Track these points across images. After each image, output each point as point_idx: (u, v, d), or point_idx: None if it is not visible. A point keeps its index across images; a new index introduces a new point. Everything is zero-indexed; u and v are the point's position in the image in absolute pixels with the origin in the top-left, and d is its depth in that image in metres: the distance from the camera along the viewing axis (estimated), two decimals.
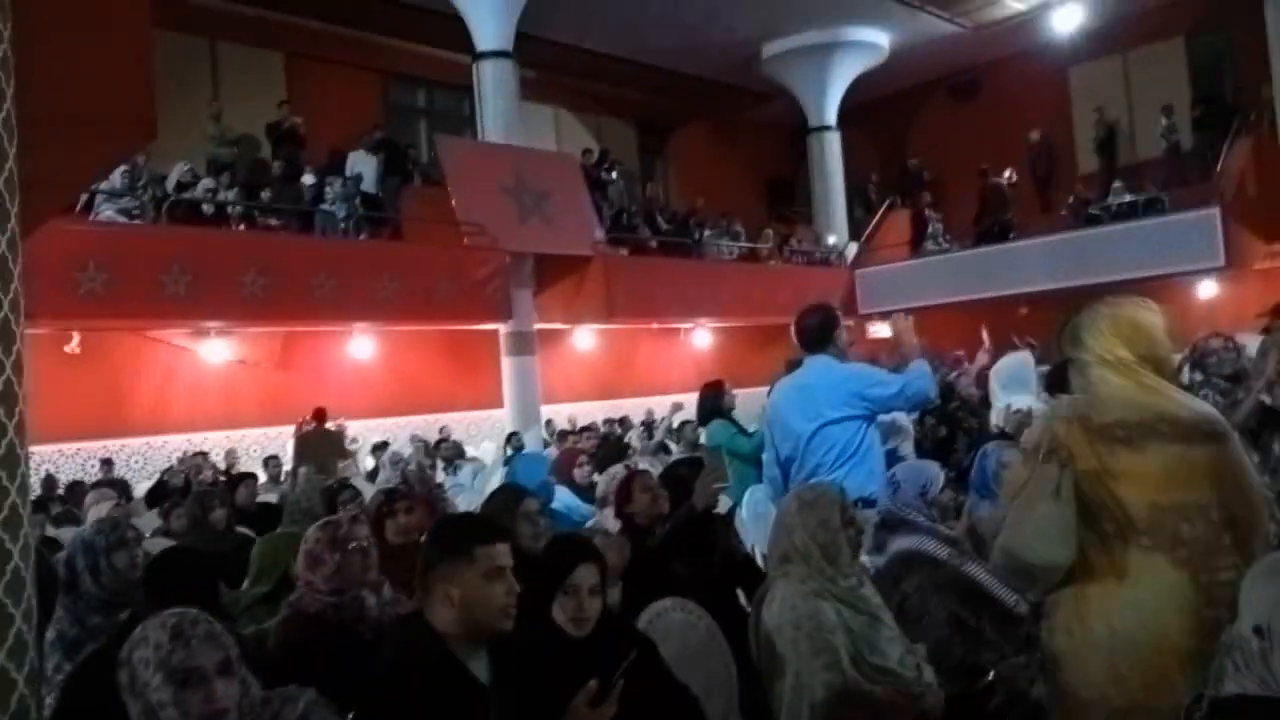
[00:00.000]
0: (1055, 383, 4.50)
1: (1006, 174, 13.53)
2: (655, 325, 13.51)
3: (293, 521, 4.35)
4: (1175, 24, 13.76)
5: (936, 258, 13.76)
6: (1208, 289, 12.17)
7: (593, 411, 12.32)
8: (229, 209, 9.42)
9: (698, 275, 12.75)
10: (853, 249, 14.76)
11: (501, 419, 11.33)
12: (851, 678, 2.50)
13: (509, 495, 3.33)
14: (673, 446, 7.69)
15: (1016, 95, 15.11)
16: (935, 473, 3.13)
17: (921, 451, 4.05)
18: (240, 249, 8.96)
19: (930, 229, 14.07)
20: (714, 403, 5.24)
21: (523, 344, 11.02)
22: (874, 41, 14.38)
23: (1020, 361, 4.96)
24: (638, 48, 13.69)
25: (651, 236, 12.72)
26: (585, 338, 13.38)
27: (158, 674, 1.60)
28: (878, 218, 15.18)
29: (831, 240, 14.68)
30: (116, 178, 8.53)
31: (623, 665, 1.94)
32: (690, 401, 12.07)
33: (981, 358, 4.57)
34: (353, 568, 2.72)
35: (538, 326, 11.26)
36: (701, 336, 14.69)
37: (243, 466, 9.10)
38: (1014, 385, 4.66)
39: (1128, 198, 12.25)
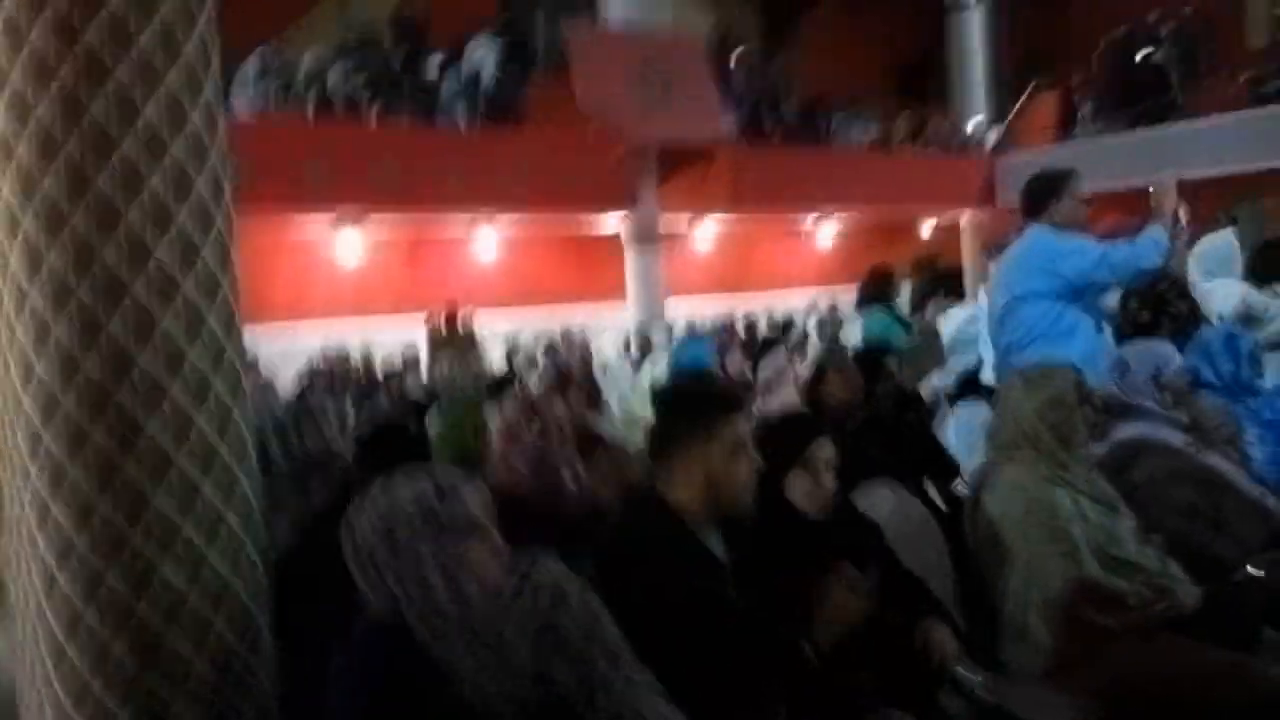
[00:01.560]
0: (1266, 265, 4.07)
1: (1169, 49, 12.37)
2: (784, 216, 13.11)
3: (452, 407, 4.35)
4: None
5: (1086, 142, 12.81)
6: None
7: (716, 307, 12.13)
8: (357, 100, 9.39)
9: (826, 164, 12.21)
10: (993, 135, 13.87)
11: (625, 313, 11.25)
12: (1091, 569, 2.31)
13: (685, 377, 3.20)
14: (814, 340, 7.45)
15: None
16: (1169, 353, 2.84)
17: (1120, 338, 3.72)
18: (372, 141, 8.98)
19: (1081, 112, 13.07)
20: (880, 288, 4.96)
21: (647, 235, 10.81)
22: None
23: (1226, 242, 4.50)
24: None
25: (776, 125, 12.17)
26: (707, 231, 13.08)
27: (425, 529, 1.52)
28: (1021, 100, 14.19)
29: (970, 126, 13.82)
30: (250, 68, 8.61)
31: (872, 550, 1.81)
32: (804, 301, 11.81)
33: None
34: (553, 444, 2.65)
35: (664, 217, 11.01)
36: (824, 233, 14.21)
37: (379, 357, 9.31)
38: (1219, 269, 4.23)
39: None
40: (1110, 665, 2.19)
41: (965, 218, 14.08)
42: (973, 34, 14.27)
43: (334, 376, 6.99)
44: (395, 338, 10.23)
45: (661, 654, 1.59)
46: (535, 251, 11.66)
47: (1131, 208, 11.55)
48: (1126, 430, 2.76)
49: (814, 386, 3.15)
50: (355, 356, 8.68)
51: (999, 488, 2.47)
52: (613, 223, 11.08)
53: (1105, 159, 12.44)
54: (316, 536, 2.30)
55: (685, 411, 1.86)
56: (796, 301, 12.68)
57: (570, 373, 4.51)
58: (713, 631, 1.64)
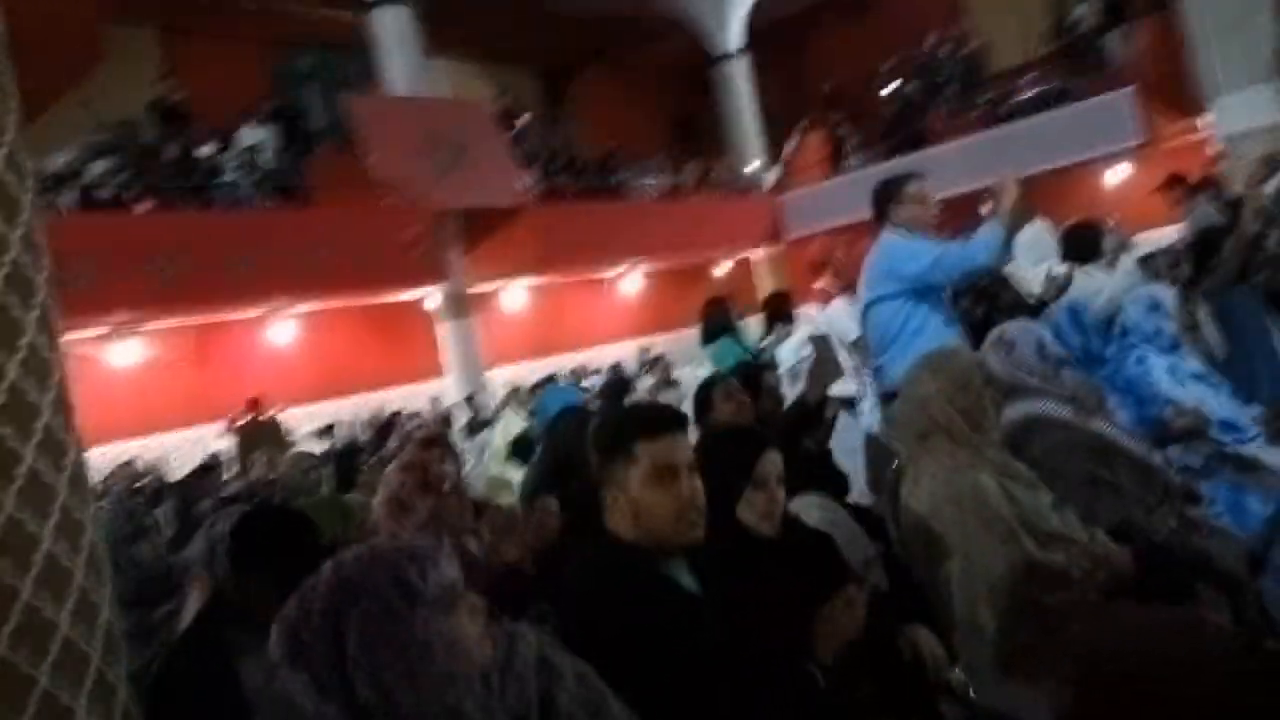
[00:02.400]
0: (1073, 247, 4.37)
1: (915, 83, 13.52)
2: (592, 271, 13.17)
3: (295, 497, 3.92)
4: None
5: (856, 174, 13.72)
6: (1116, 174, 12.54)
7: (533, 371, 11.93)
8: (122, 195, 8.59)
9: (625, 217, 12.42)
10: (770, 177, 14.61)
11: (443, 388, 10.84)
12: (1030, 549, 2.29)
13: (576, 415, 2.98)
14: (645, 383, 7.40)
15: (906, 6, 15.14)
16: (1043, 329, 2.92)
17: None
18: (147, 233, 8.21)
19: (846, 146, 14.02)
20: (722, 319, 4.93)
21: (460, 305, 10.52)
22: None
23: (1040, 230, 4.82)
24: None
25: (574, 183, 12.28)
26: (514, 297, 12.93)
27: (402, 606, 1.24)
28: (793, 142, 15.05)
29: (751, 168, 14.50)
30: None
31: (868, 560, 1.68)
32: (621, 352, 11.82)
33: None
34: (451, 511, 2.37)
35: (475, 287, 10.76)
36: (627, 283, 14.41)
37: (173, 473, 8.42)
38: (1033, 254, 4.50)
39: (1037, 90, 12.41)
40: (1069, 647, 2.15)
41: (757, 254, 14.69)
42: (737, 85, 15.05)
43: (140, 492, 6.23)
44: (192, 452, 9.35)
45: (657, 706, 1.38)
46: (335, 336, 11.05)
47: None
48: (1017, 408, 2.80)
49: (701, 414, 3.02)
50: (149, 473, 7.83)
51: (921, 482, 2.42)
52: (417, 296, 10.71)
53: (868, 188, 13.37)
54: (189, 658, 1.92)
55: (606, 436, 1.68)
56: (612, 356, 12.71)
57: (435, 436, 4.16)
58: (708, 671, 1.44)
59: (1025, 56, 13.87)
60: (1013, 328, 2.89)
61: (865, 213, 12.55)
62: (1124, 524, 2.62)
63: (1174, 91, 11.31)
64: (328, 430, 8.50)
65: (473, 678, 1.25)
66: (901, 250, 3.62)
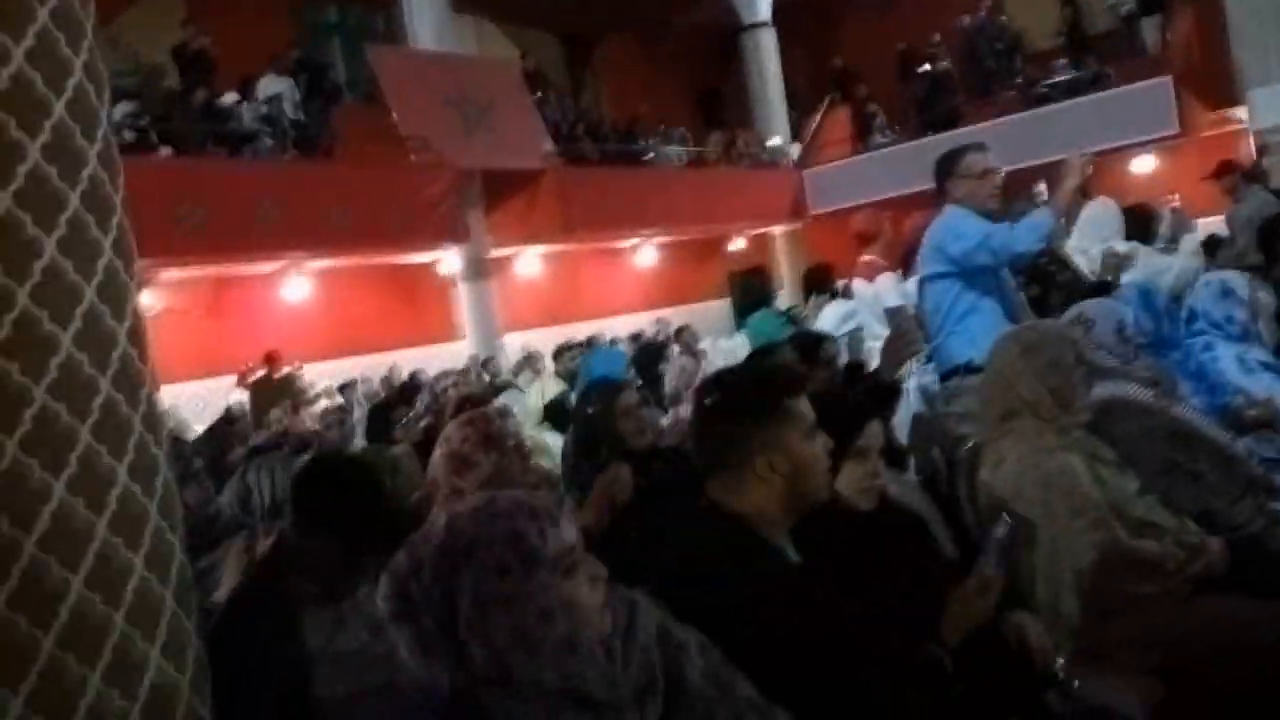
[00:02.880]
0: (1136, 228, 4.25)
1: (947, 61, 13.29)
2: (613, 240, 13.03)
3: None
4: None
5: (883, 151, 13.53)
6: (1146, 163, 12.36)
7: (547, 339, 11.82)
8: (151, 137, 8.44)
9: (649, 185, 12.25)
10: (794, 151, 14.42)
11: (460, 352, 10.73)
12: (1122, 535, 2.19)
13: (604, 390, 2.87)
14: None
15: None
16: (1126, 308, 2.81)
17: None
18: (167, 180, 8.06)
19: (874, 123, 13.81)
20: (762, 290, 4.79)
21: (479, 269, 10.39)
22: None
23: (1104, 208, 4.68)
24: None
25: (598, 148, 12.09)
26: (531, 263, 12.79)
27: (522, 570, 1.14)
28: (819, 116, 14.84)
29: (775, 141, 14.30)
30: None
31: (1000, 540, 1.58)
32: (637, 323, 11.66)
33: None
34: (513, 469, 2.27)
35: (493, 251, 10.62)
36: (645, 255, 14.27)
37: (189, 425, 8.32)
38: (1097, 233, 4.38)
39: (1072, 74, 12.20)
40: (1158, 638, 2.06)
41: (779, 229, 14.52)
42: (765, 55, 14.81)
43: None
44: (204, 404, 9.26)
45: (784, 685, 1.28)
46: (353, 294, 10.93)
47: (924, 208, 12.31)
48: (1096, 390, 2.69)
49: None
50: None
51: (1004, 463, 2.31)
52: (436, 257, 10.57)
53: (899, 166, 13.20)
54: (252, 608, 1.83)
55: (753, 398, 1.56)
56: (627, 327, 12.60)
57: (471, 398, 4.07)
58: (834, 649, 1.34)
59: (1056, 40, 13.66)
60: (1093, 306, 2.78)
61: (891, 190, 12.55)
62: (1205, 514, 2.52)
63: (1210, 82, 11.13)
64: (349, 386, 8.40)
65: (594, 647, 1.15)
66: (951, 229, 3.50)
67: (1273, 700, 1.92)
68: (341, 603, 1.86)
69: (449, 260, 10.61)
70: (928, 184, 12.12)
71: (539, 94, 12.28)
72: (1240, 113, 10.79)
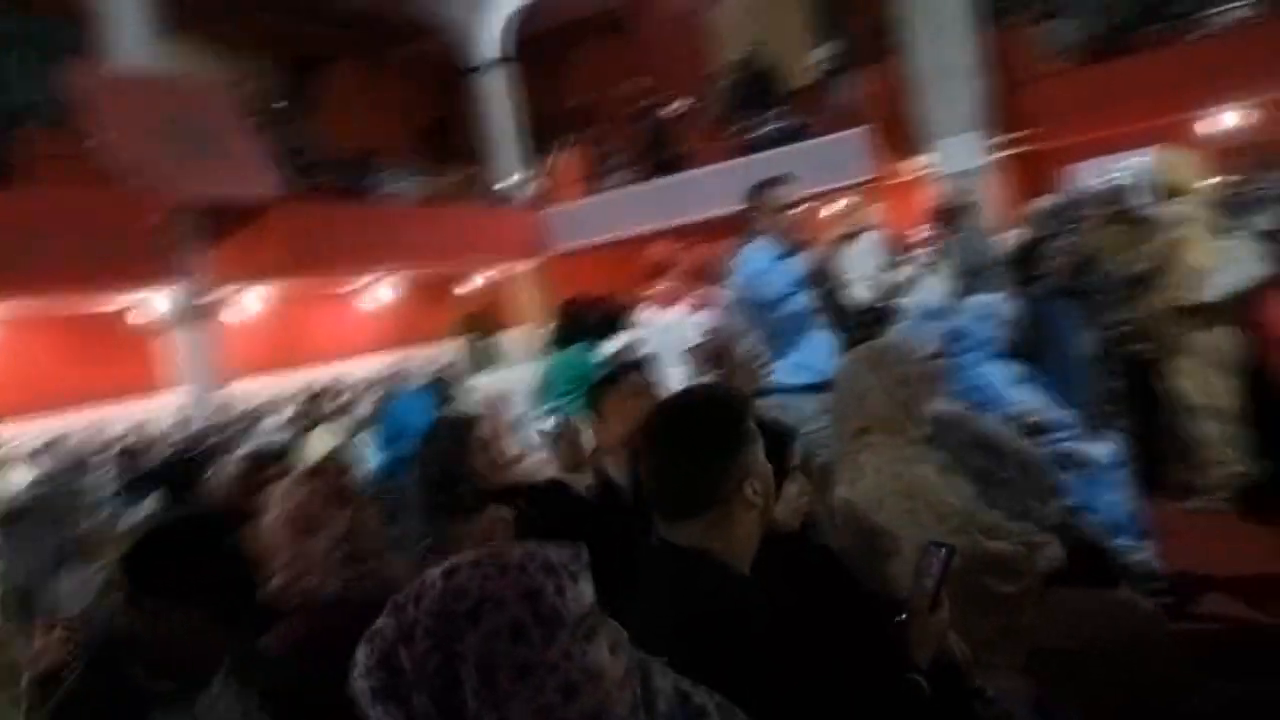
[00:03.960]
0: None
1: (675, 105, 13.99)
2: (347, 277, 12.36)
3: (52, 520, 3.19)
4: None
5: (619, 192, 13.93)
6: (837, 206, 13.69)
7: (280, 385, 10.94)
8: None
9: (386, 220, 11.75)
10: (530, 190, 14.50)
11: (170, 404, 9.64)
12: (980, 539, 2.31)
13: (454, 426, 2.66)
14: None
15: (664, 31, 15.68)
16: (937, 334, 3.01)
17: None
18: None
19: (610, 164, 14.21)
20: (581, 323, 4.67)
21: (197, 310, 9.41)
22: None
23: (872, 239, 5.04)
24: None
25: (330, 180, 11.43)
26: (256, 303, 11.82)
27: (540, 634, 0.95)
28: (555, 155, 15.03)
29: (514, 179, 14.29)
30: None
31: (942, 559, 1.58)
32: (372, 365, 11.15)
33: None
34: (370, 525, 2.00)
35: (211, 293, 9.67)
36: (376, 294, 13.69)
37: None
38: (867, 263, 4.71)
39: (782, 124, 13.25)
40: (1025, 636, 2.18)
41: (517, 268, 14.50)
42: (498, 93, 14.83)
43: None
44: None
45: None
46: (43, 341, 9.51)
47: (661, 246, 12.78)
48: None
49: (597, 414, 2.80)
50: None
51: (864, 477, 2.38)
52: (146, 297, 9.45)
53: (635, 205, 13.70)
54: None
55: (730, 427, 1.45)
56: (360, 371, 11.97)
57: (260, 455, 3.57)
58: (834, 685, 1.27)
59: (769, 90, 14.81)
60: (896, 333, 2.95)
61: (627, 229, 12.87)
62: (1020, 516, 2.74)
63: (901, 132, 12.51)
64: (50, 447, 7.23)
65: None
66: (746, 263, 3.65)
67: (1126, 682, 2.09)
68: (195, 702, 1.53)
69: (160, 300, 9.53)
70: (661, 222, 12.77)
71: (260, 121, 11.43)
72: (929, 159, 12.19)
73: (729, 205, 12.82)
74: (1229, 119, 10.99)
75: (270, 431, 6.66)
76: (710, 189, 12.97)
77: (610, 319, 4.71)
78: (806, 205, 3.74)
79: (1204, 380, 3.81)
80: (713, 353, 4.10)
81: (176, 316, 9.33)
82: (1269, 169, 5.64)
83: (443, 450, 2.40)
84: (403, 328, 14.25)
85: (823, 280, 3.97)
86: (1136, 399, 4.01)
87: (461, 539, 2.04)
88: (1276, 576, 3.52)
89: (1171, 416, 3.99)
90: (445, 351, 13.94)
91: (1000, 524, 2.41)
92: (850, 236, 5.00)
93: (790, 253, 3.50)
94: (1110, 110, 10.96)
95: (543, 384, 4.38)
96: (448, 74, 15.86)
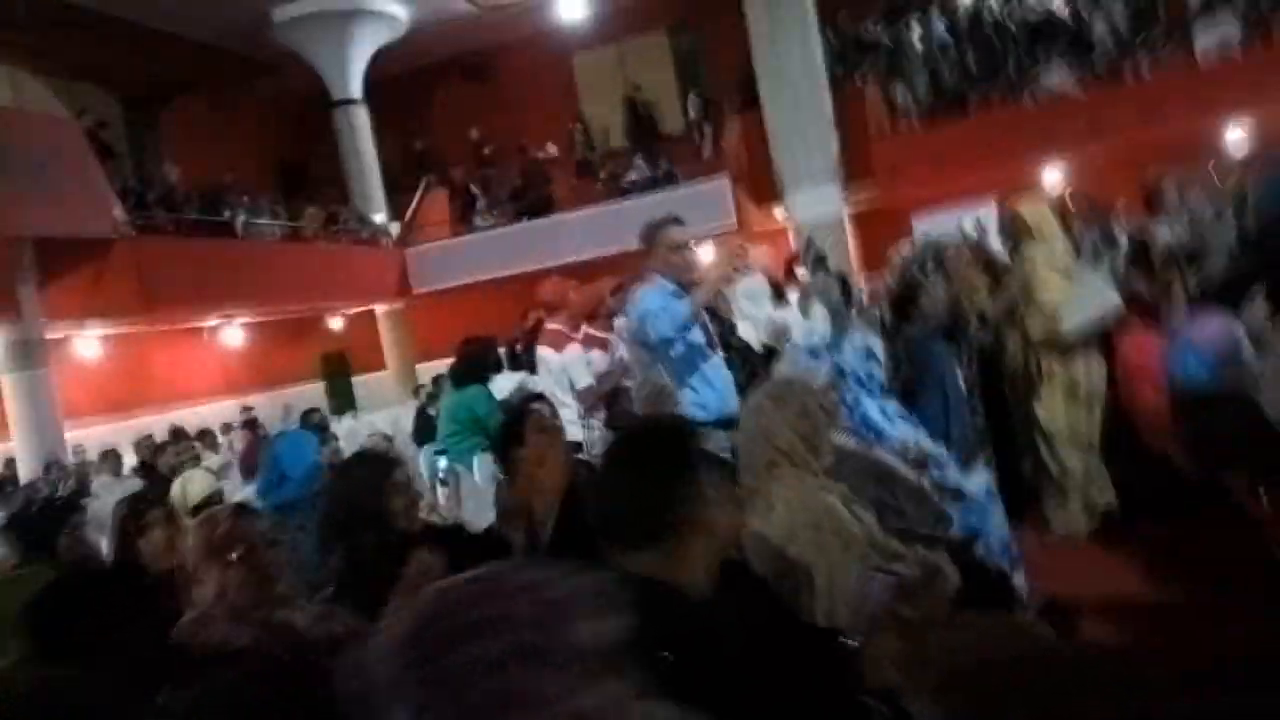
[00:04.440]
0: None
1: (549, 148, 14.06)
2: (198, 317, 11.72)
3: None
4: (659, 19, 15.51)
5: (484, 234, 13.83)
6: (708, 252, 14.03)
7: (120, 431, 10.21)
8: None
9: (240, 258, 11.24)
10: (395, 229, 14.22)
11: (4, 451, 8.89)
12: (882, 565, 2.36)
13: (376, 463, 2.52)
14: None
15: (528, 78, 15.79)
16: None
17: None
18: None
19: (476, 205, 14.10)
20: (483, 362, 4.56)
21: (30, 353, 8.71)
22: (394, 14, 13.94)
23: (757, 281, 5.13)
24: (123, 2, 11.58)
25: (176, 216, 10.85)
26: (93, 345, 11.06)
27: (528, 674, 0.89)
28: (418, 196, 14.80)
29: (379, 219, 13.96)
30: None
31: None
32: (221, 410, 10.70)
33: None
34: (269, 573, 1.88)
35: (49, 332, 8.99)
36: (229, 334, 13.05)
37: None
38: (756, 303, 4.81)
39: (650, 171, 13.51)
40: (931, 658, 2.24)
41: (380, 308, 14.16)
42: (358, 132, 14.54)
43: None
44: None
45: None
46: None
47: (523, 291, 12.77)
48: None
49: (509, 448, 2.72)
50: None
51: (775, 510, 2.40)
52: None
53: (500, 248, 13.63)
54: None
55: (683, 449, 1.44)
56: (211, 415, 11.36)
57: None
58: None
59: (635, 138, 15.13)
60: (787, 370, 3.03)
61: (493, 270, 12.82)
62: (915, 543, 2.83)
63: (759, 182, 12.98)
64: None
65: None
66: (643, 301, 3.67)
67: (1026, 703, 2.17)
68: None
69: None
70: (529, 264, 12.69)
71: (102, 155, 10.77)
72: (782, 209, 12.66)
73: (598, 248, 13.06)
74: (1057, 173, 11.97)
75: (107, 488, 6.19)
76: (579, 232, 13.07)
77: (503, 358, 4.64)
78: (695, 245, 3.79)
79: (1063, 411, 4.07)
80: (604, 394, 4.09)
81: (5, 359, 8.61)
82: (1102, 218, 6.13)
83: (354, 491, 2.27)
84: (258, 369, 13.63)
85: (716, 319, 4.04)
86: (1001, 432, 4.24)
87: (385, 585, 1.92)
88: (1135, 602, 3.76)
89: (1034, 448, 4.24)
90: (301, 394, 13.41)
91: (900, 550, 2.48)
92: (734, 277, 5.11)
93: (683, 292, 3.54)
94: (952, 165, 11.72)
95: (433, 424, 4.27)
96: (306, 111, 15.44)
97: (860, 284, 8.34)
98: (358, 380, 15.36)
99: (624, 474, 1.45)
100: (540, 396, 3.15)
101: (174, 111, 14.62)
